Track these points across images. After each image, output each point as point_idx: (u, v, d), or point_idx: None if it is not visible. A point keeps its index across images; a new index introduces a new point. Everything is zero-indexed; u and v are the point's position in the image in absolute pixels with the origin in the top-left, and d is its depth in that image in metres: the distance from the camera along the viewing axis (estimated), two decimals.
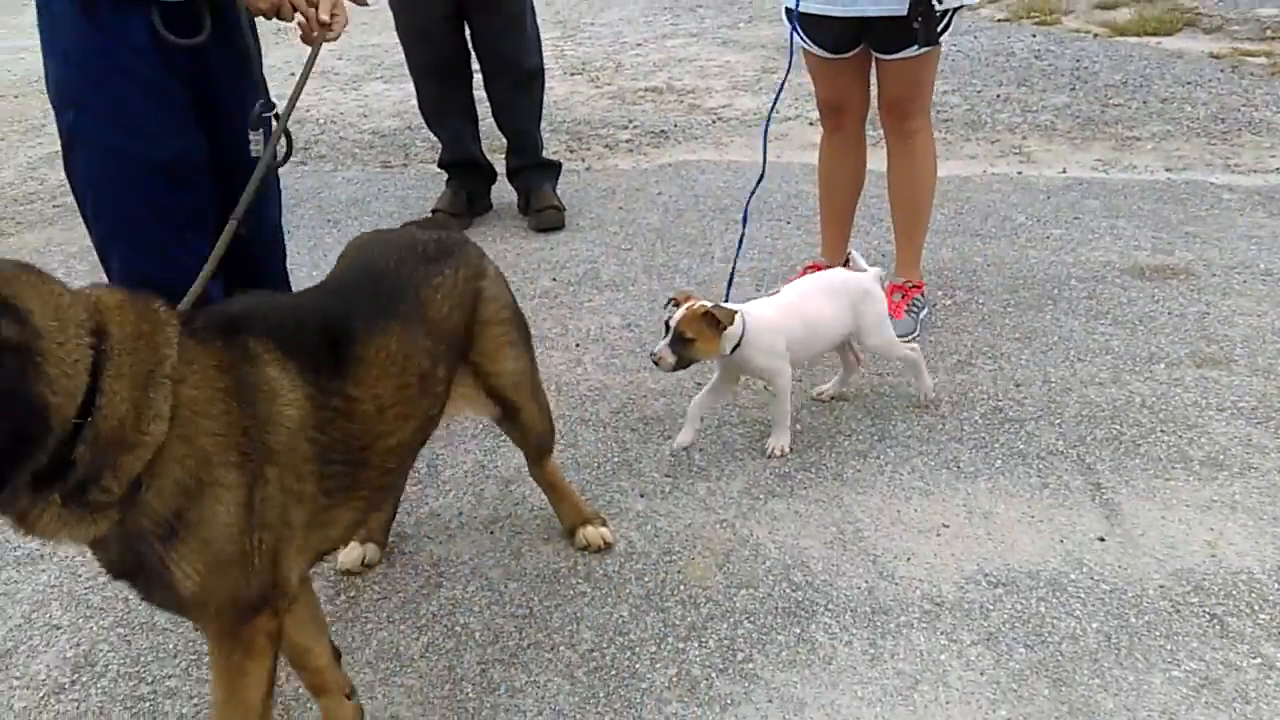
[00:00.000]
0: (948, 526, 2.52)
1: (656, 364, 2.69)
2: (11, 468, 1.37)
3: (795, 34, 3.23)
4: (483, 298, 2.14)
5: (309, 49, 2.42)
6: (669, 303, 2.76)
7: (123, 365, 1.47)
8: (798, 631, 2.22)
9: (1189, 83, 5.76)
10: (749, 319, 2.76)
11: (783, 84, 3.39)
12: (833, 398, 3.07)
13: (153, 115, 2.34)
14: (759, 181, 3.39)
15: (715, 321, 2.66)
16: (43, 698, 2.19)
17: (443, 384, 2.02)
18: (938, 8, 2.88)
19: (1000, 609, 2.26)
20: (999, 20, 7.41)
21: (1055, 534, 2.48)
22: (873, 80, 3.31)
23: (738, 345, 2.73)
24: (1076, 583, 2.33)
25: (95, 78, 2.30)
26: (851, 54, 3.18)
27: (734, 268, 3.20)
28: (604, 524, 2.54)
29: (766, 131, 3.46)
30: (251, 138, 2.38)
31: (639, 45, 7.52)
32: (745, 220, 3.34)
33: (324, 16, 2.39)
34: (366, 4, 4.28)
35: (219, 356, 1.63)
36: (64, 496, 1.44)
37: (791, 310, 2.84)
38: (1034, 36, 6.91)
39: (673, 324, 2.67)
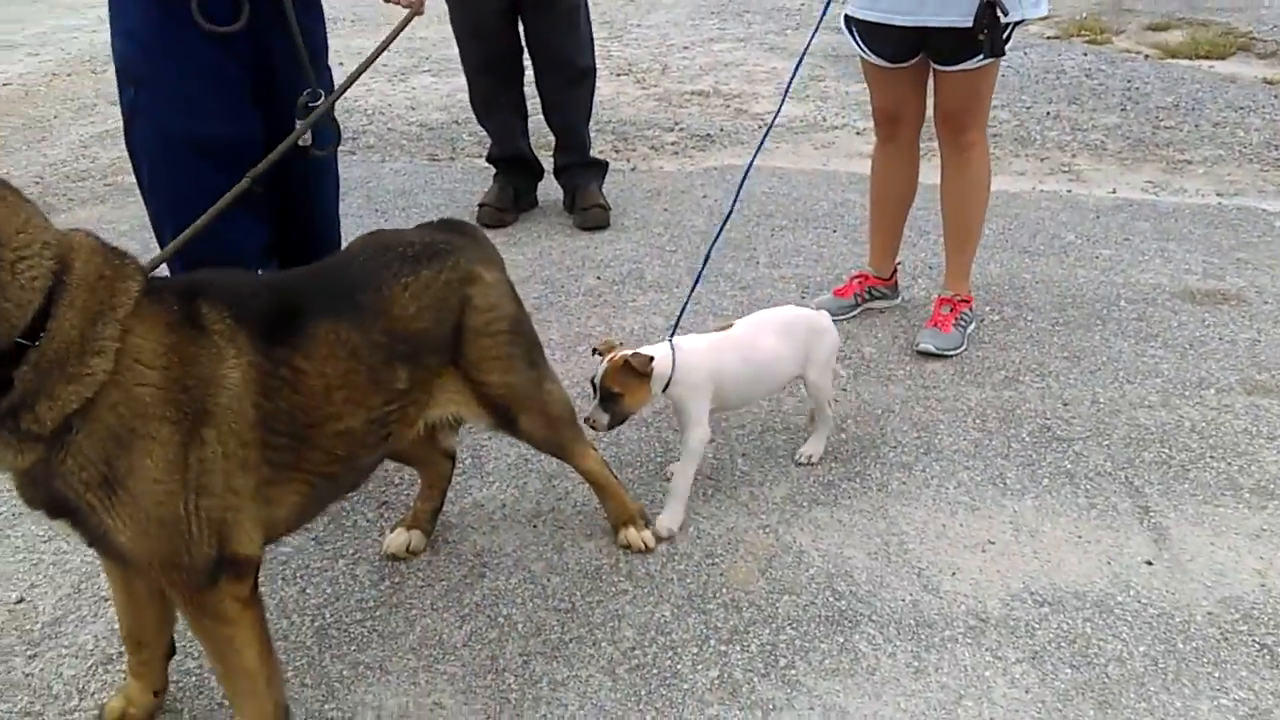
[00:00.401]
0: (993, 543, 2.51)
1: (593, 428, 2.49)
2: None
3: (853, 41, 3.23)
4: (471, 305, 2.11)
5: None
6: (594, 352, 2.57)
7: (77, 297, 1.52)
8: (841, 640, 2.22)
9: (1242, 108, 5.71)
10: (680, 355, 2.53)
11: (799, 63, 3.38)
12: (819, 460, 2.84)
13: (208, 96, 2.40)
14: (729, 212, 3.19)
15: (636, 370, 2.44)
16: (90, 667, 2.22)
17: (405, 384, 2.00)
18: (1003, 19, 2.87)
19: (1046, 628, 2.25)
20: (1049, 37, 7.35)
21: (1102, 555, 2.47)
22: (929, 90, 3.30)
23: (668, 384, 2.52)
24: (1123, 605, 2.31)
25: (156, 56, 2.36)
26: (910, 63, 3.17)
27: (686, 303, 2.91)
28: (648, 525, 2.54)
29: (762, 144, 3.44)
30: (299, 125, 2.42)
31: (685, 48, 7.52)
32: (706, 259, 3.02)
33: None
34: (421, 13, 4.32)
35: (170, 314, 1.67)
36: None
37: (733, 348, 2.62)
38: (1085, 55, 6.86)
39: (597, 382, 2.48)
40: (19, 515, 2.70)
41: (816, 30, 3.30)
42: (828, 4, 3.19)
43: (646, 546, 2.50)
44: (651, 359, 2.46)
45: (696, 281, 2.97)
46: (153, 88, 2.40)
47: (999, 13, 2.84)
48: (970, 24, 2.88)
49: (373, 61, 2.49)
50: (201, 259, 2.20)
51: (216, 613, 1.76)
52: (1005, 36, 2.96)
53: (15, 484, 1.63)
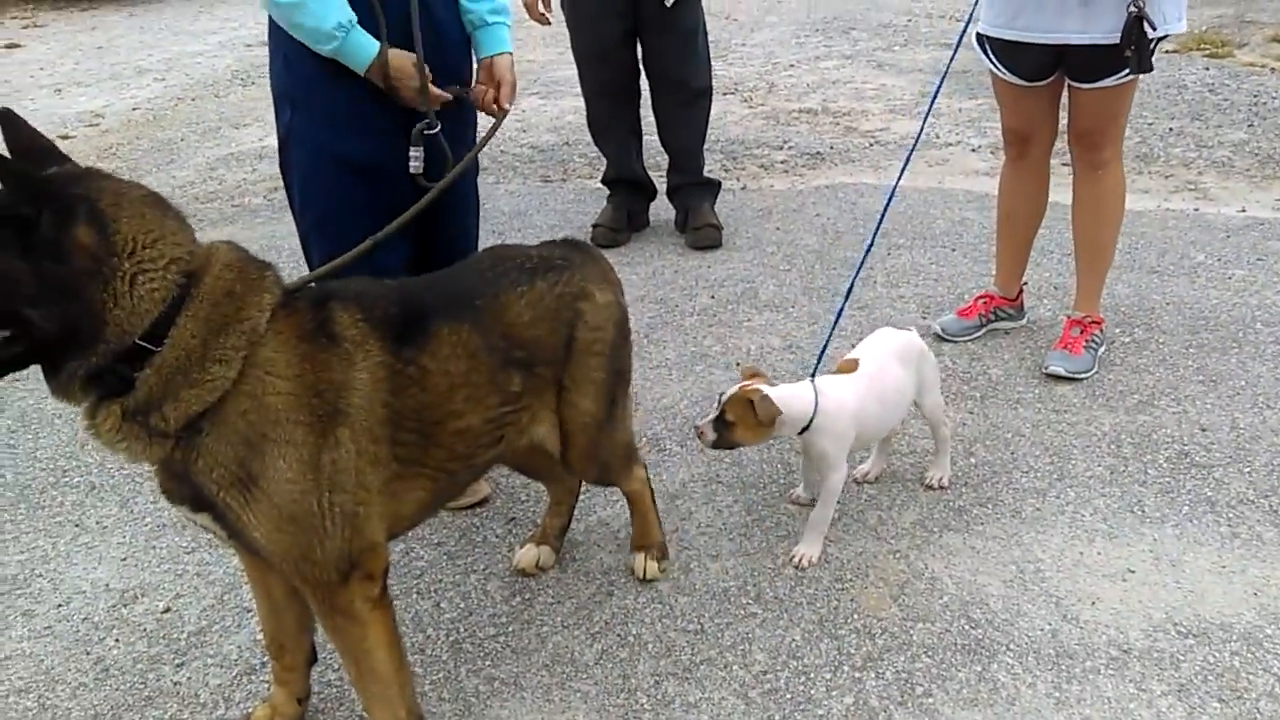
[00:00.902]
0: (1133, 572, 2.44)
1: (699, 436, 2.48)
2: (60, 354, 1.58)
3: (986, 60, 3.18)
4: (581, 320, 2.15)
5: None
6: (737, 365, 2.50)
7: (201, 309, 1.64)
8: (979, 670, 2.17)
9: None
10: (822, 397, 2.48)
11: (928, 112, 3.33)
12: (876, 478, 2.83)
13: (355, 117, 2.49)
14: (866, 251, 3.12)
15: (755, 413, 2.39)
16: (235, 677, 2.29)
17: (519, 388, 2.06)
18: (1151, 34, 2.79)
19: (1192, 660, 2.17)
20: (1169, 51, 7.15)
21: (1248, 586, 2.38)
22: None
23: (807, 426, 2.47)
24: (1273, 638, 2.22)
25: (309, 80, 2.45)
26: (1046, 82, 3.11)
27: (827, 341, 2.79)
28: (660, 559, 2.52)
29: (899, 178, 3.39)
30: (411, 153, 2.50)
31: (791, 66, 7.51)
32: (849, 292, 3.02)
33: (506, 105, 2.64)
34: (549, 23, 4.41)
35: (304, 325, 1.77)
36: (125, 411, 1.63)
37: (868, 388, 2.56)
38: (1206, 69, 6.65)
39: (722, 401, 2.46)
40: (163, 527, 2.81)
41: (956, 51, 3.25)
42: (966, 24, 3.15)
43: (646, 577, 2.49)
44: (777, 414, 2.39)
45: (838, 317, 2.89)
46: (305, 109, 2.50)
47: (1147, 27, 2.77)
48: (1114, 40, 2.81)
49: (475, 155, 2.58)
50: (344, 273, 2.27)
51: (348, 611, 1.83)
52: (1152, 52, 2.88)
53: (158, 479, 1.75)
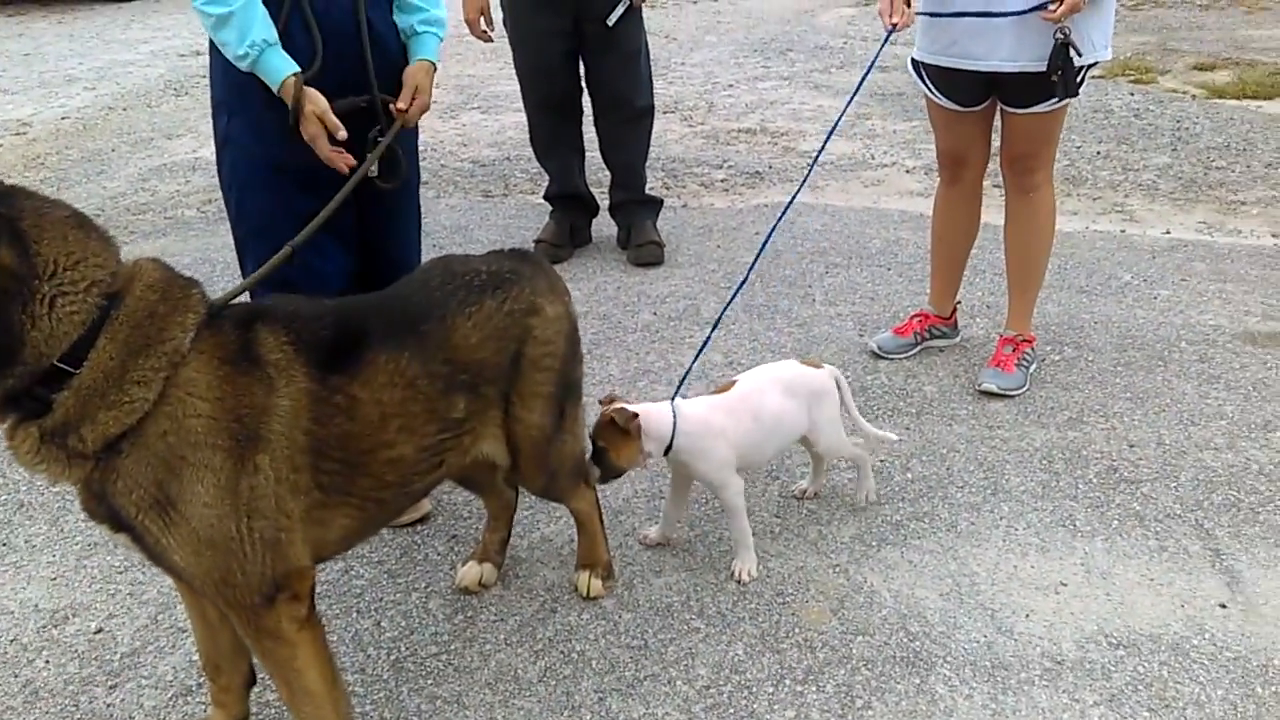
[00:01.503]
0: (1065, 585, 2.50)
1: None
2: None
3: (923, 85, 3.25)
4: (531, 336, 2.14)
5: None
6: (599, 403, 2.50)
7: (120, 331, 1.63)
8: (917, 682, 2.21)
9: None
10: (680, 418, 2.46)
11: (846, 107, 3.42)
12: (815, 495, 2.85)
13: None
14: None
15: (624, 432, 2.39)
16: (171, 698, 2.25)
17: (462, 413, 2.04)
18: (1077, 61, 2.88)
19: (1122, 671, 2.23)
20: (1095, 77, 7.34)
21: (1176, 598, 2.45)
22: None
23: (669, 447, 2.46)
24: (1199, 649, 2.29)
25: (247, 89, 2.45)
26: (980, 107, 3.19)
27: (690, 366, 2.90)
28: (605, 577, 2.52)
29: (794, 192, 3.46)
30: (367, 158, 2.51)
31: (730, 86, 7.59)
32: (716, 324, 3.09)
33: (401, 106, 2.56)
34: (490, 40, 4.42)
35: (228, 346, 1.75)
36: (42, 433, 1.62)
37: (737, 407, 2.55)
38: (1131, 95, 6.86)
39: (590, 433, 2.45)
40: (94, 545, 2.75)
41: (868, 72, 3.31)
42: (880, 47, 3.22)
43: (590, 594, 2.49)
44: (634, 419, 2.38)
45: (708, 338, 2.96)
46: (242, 117, 2.50)
47: (1073, 54, 2.86)
48: (1043, 67, 2.90)
49: (372, 162, 2.53)
50: (286, 284, 2.25)
51: (275, 633, 1.81)
52: (1079, 78, 2.97)
53: (80, 497, 1.73)
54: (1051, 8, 2.82)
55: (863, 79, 3.30)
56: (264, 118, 2.46)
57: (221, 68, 2.49)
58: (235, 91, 2.49)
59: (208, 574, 1.73)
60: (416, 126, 2.71)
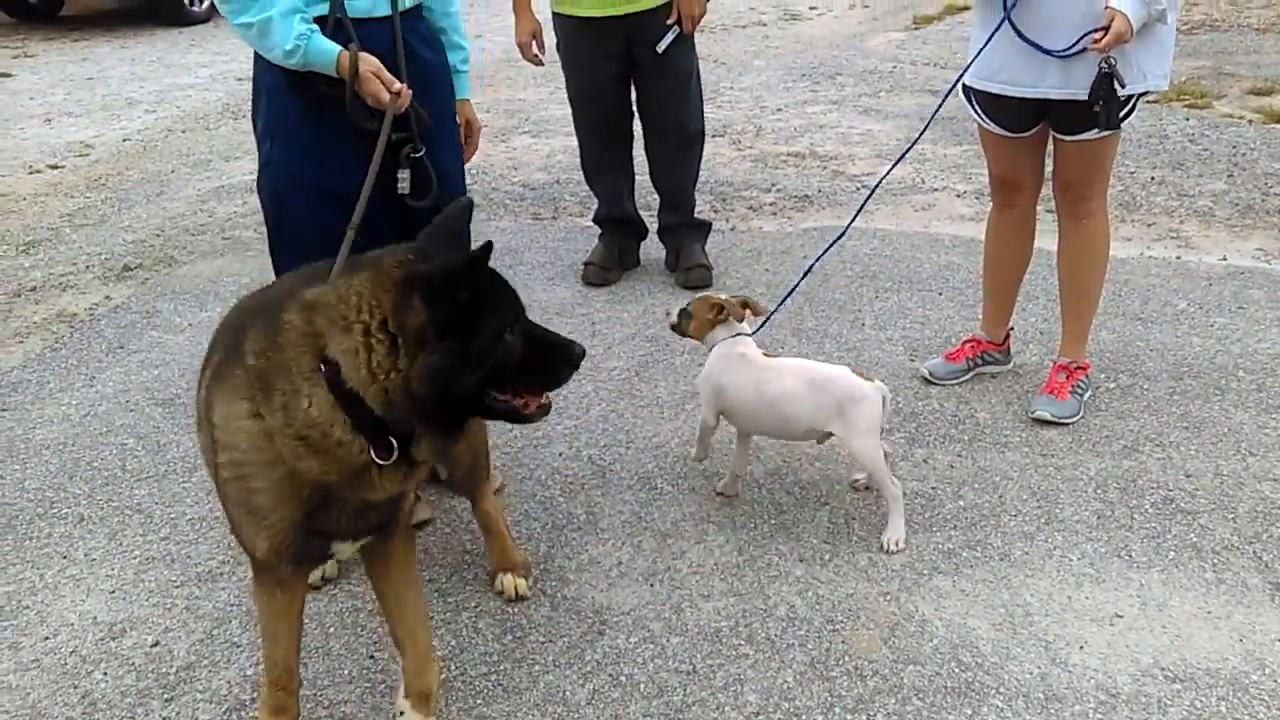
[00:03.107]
0: (1121, 616, 2.46)
1: (667, 315, 3.03)
2: None
3: (972, 110, 3.24)
4: None
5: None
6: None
7: None
8: (968, 713, 2.19)
9: None
10: (725, 347, 2.88)
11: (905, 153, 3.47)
12: (867, 487, 2.95)
13: (334, 149, 2.56)
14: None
15: (718, 312, 2.88)
16: (225, 712, 2.28)
17: None
18: (1121, 92, 2.86)
19: (1179, 705, 2.20)
20: (1150, 102, 7.24)
21: (1234, 632, 2.40)
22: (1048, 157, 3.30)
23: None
24: (1259, 684, 2.25)
25: (289, 113, 2.55)
26: (1030, 133, 3.17)
27: (778, 306, 3.33)
28: (525, 576, 2.63)
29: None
30: (399, 175, 2.59)
31: (779, 110, 7.59)
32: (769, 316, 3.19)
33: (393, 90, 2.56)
34: (542, 64, 4.48)
35: None
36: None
37: (751, 371, 2.82)
38: (1187, 120, 6.76)
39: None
40: (152, 560, 2.80)
41: (941, 104, 3.32)
42: (956, 80, 3.23)
43: (518, 594, 2.57)
44: (717, 308, 2.88)
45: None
46: (287, 143, 2.56)
47: (1117, 85, 2.84)
48: (1087, 97, 2.88)
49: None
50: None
51: None
52: (1129, 109, 2.95)
53: (363, 510, 1.89)
54: (1096, 36, 2.81)
55: (939, 105, 3.37)
56: (311, 143, 2.55)
57: (267, 97, 2.58)
58: (282, 119, 2.57)
59: None
60: (460, 149, 2.80)
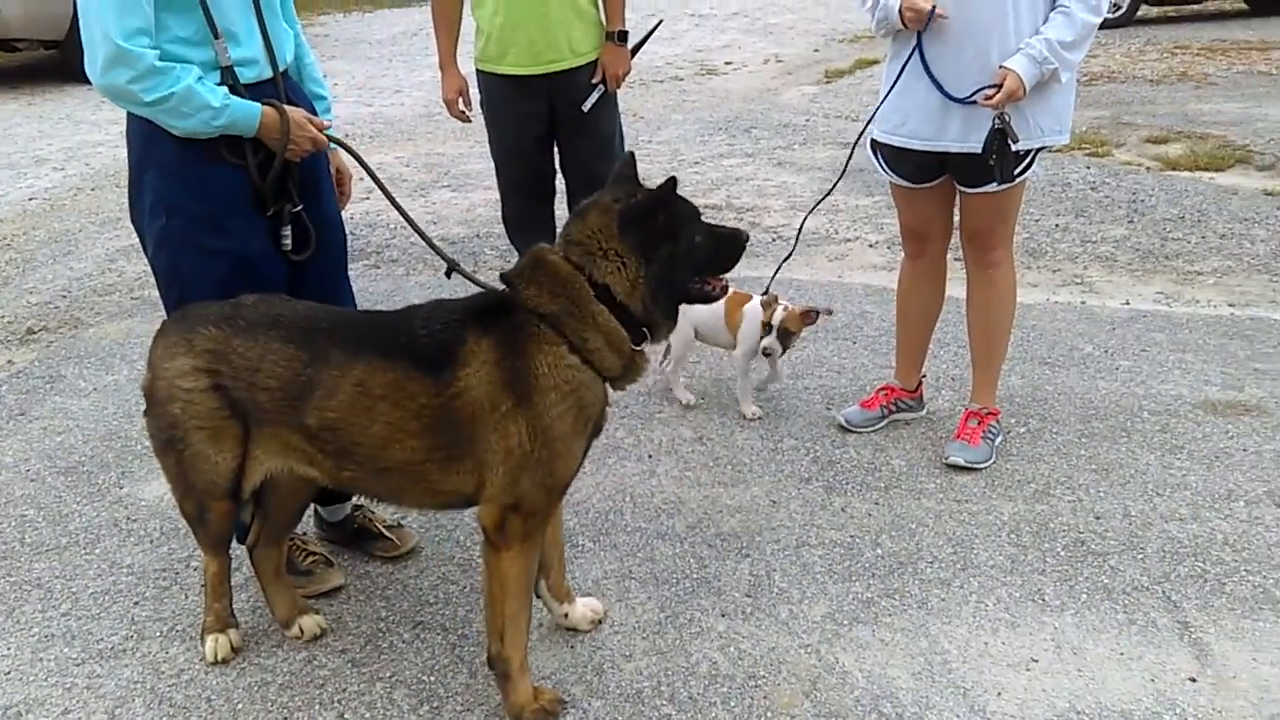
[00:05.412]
0: (1036, 661, 2.49)
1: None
2: None
3: (877, 163, 3.32)
4: None
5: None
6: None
7: None
8: None
9: (1245, 219, 5.81)
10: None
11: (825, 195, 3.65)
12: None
13: (236, 214, 2.55)
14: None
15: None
16: None
17: None
18: (1015, 147, 2.95)
19: None
20: (1052, 151, 7.50)
21: (1146, 673, 2.45)
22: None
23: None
24: None
25: (189, 186, 2.51)
26: (934, 184, 3.25)
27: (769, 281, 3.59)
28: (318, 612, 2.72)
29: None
30: (283, 232, 2.61)
31: (697, 163, 7.69)
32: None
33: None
34: (469, 120, 4.50)
35: None
36: None
37: None
38: (1088, 168, 7.01)
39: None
40: (50, 638, 2.69)
41: (850, 157, 3.40)
42: (861, 132, 3.31)
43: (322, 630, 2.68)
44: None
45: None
46: (186, 214, 2.53)
47: (1009, 140, 2.93)
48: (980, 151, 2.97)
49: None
50: None
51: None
52: (1027, 164, 3.05)
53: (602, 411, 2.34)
54: (988, 93, 2.90)
55: (849, 158, 3.46)
56: (211, 211, 2.52)
57: (159, 171, 2.51)
58: (175, 189, 2.51)
59: None
60: (335, 202, 2.80)
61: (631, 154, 2.42)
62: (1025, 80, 2.88)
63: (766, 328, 3.58)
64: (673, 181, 2.17)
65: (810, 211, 3.73)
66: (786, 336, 3.56)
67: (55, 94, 11.12)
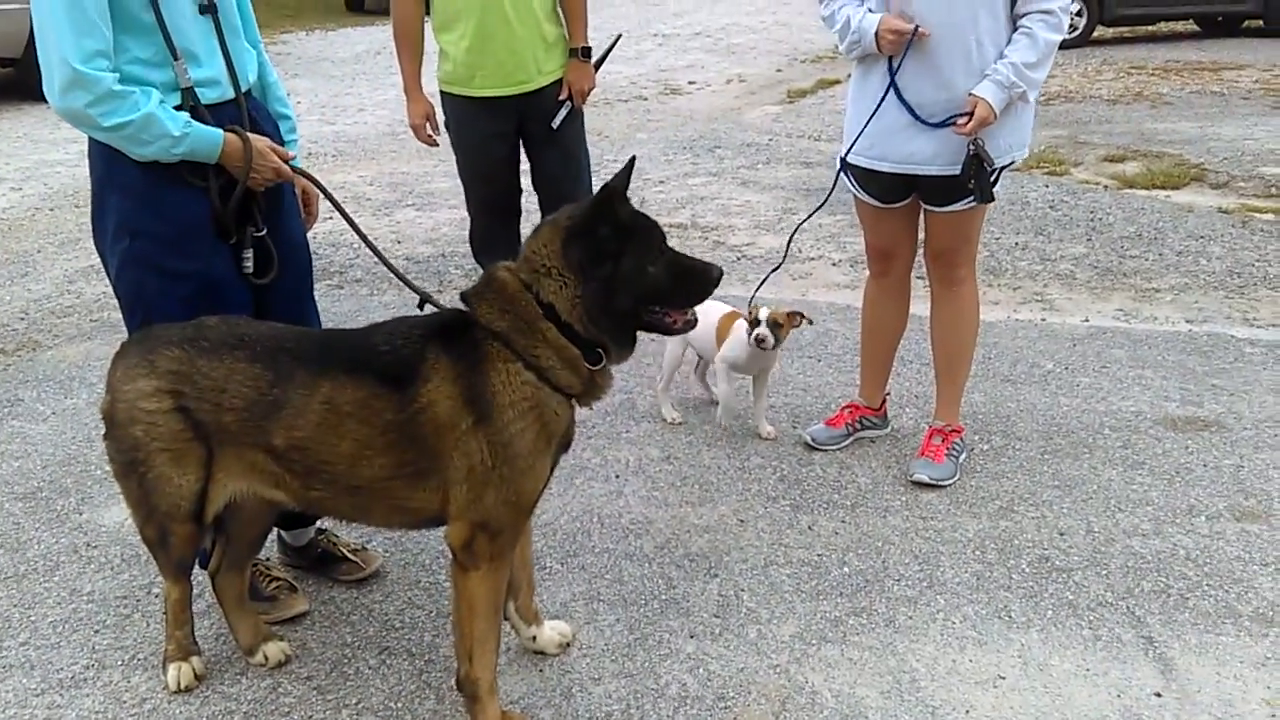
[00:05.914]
0: (1004, 678, 2.50)
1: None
2: None
3: (848, 182, 3.35)
4: None
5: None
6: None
7: None
8: None
9: (1202, 237, 5.92)
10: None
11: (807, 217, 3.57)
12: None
13: (199, 238, 2.53)
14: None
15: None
16: None
17: None
18: (989, 167, 3.00)
19: None
20: (1012, 170, 7.60)
21: (1111, 688, 2.47)
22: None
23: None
24: None
25: (152, 209, 2.49)
26: (903, 204, 3.29)
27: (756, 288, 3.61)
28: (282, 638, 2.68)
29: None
30: (245, 255, 2.59)
31: (661, 182, 7.72)
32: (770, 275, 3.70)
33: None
34: (436, 145, 4.49)
35: None
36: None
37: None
38: (1047, 187, 7.11)
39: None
40: (8, 668, 2.64)
41: (835, 184, 3.44)
42: (839, 169, 3.35)
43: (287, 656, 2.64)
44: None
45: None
46: (149, 238, 2.51)
47: (985, 164, 2.99)
48: (957, 171, 3.02)
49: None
50: None
51: None
52: (993, 182, 3.09)
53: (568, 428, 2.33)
54: (961, 122, 2.96)
55: (832, 188, 3.46)
56: (173, 234, 2.49)
57: (120, 194, 2.49)
58: (137, 212, 2.48)
59: None
60: (300, 224, 2.78)
61: (632, 158, 2.37)
62: (995, 106, 2.95)
63: (755, 322, 3.58)
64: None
65: (797, 229, 3.74)
66: (776, 328, 3.56)
67: (12, 112, 10.97)
